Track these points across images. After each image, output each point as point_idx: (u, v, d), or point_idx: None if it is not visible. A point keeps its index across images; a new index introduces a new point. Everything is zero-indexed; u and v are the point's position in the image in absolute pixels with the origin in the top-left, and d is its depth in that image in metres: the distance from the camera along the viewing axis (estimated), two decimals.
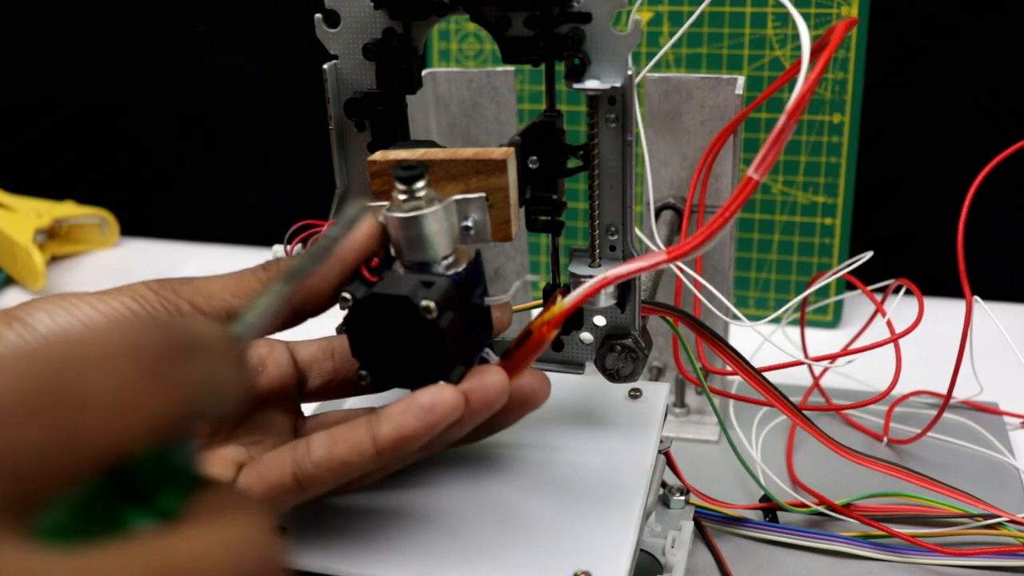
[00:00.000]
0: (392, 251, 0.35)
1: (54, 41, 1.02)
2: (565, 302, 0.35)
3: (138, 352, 0.19)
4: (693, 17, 0.56)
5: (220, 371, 0.21)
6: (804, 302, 0.69)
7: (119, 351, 0.19)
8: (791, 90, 0.31)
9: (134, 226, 1.03)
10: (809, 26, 0.71)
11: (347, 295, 0.33)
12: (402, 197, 0.34)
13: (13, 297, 0.90)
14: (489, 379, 0.34)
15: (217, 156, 1.03)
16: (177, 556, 0.19)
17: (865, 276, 0.62)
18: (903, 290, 0.60)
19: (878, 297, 0.60)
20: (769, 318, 0.57)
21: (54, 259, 0.97)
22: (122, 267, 0.97)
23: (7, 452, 0.17)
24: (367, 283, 0.34)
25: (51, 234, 0.96)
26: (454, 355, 0.34)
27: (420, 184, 0.33)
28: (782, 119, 0.30)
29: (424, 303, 0.32)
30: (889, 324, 0.54)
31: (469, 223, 0.35)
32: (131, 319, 0.20)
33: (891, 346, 0.54)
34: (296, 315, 0.35)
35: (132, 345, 0.19)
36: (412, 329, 0.32)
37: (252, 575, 0.20)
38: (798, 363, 0.56)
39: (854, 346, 0.71)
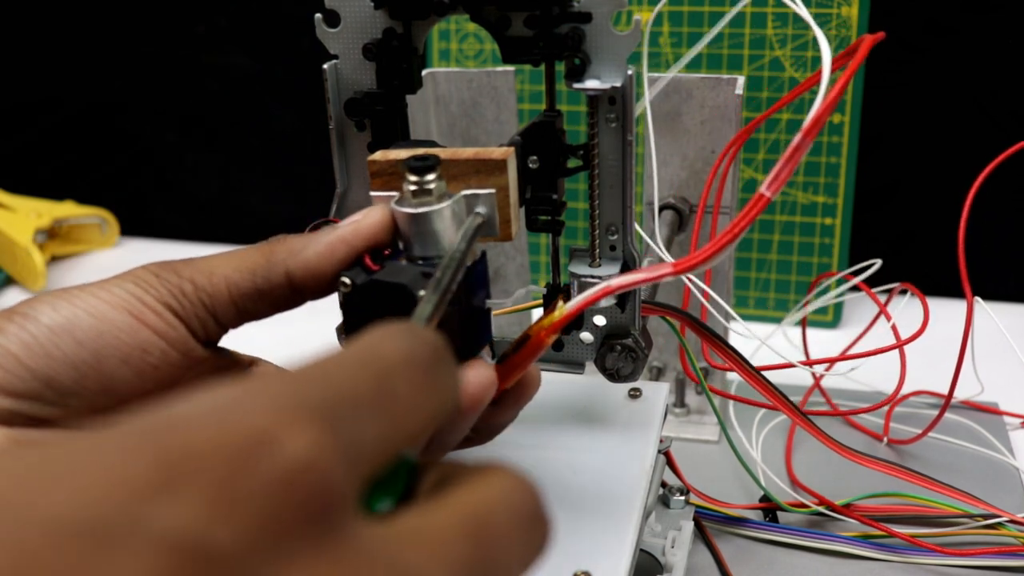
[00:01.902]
0: (400, 243, 0.35)
1: (54, 41, 1.02)
2: (566, 308, 0.35)
3: (416, 360, 0.21)
4: (713, 31, 0.56)
5: (456, 374, 0.23)
6: (806, 305, 0.69)
7: (403, 359, 0.21)
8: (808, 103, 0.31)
9: (134, 226, 1.03)
10: (807, 25, 0.71)
11: (346, 280, 0.33)
12: (412, 189, 0.33)
13: (13, 297, 0.90)
14: (472, 374, 0.33)
15: (217, 156, 1.03)
16: (480, 511, 0.21)
17: (865, 276, 0.62)
18: (907, 293, 0.60)
19: (881, 299, 0.60)
20: (773, 330, 0.57)
21: (54, 259, 0.97)
22: (122, 267, 0.95)
23: (363, 441, 0.19)
24: (368, 270, 0.33)
25: (51, 234, 0.96)
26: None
27: (431, 176, 0.33)
28: (798, 137, 0.30)
29: (422, 293, 0.32)
30: (894, 330, 0.54)
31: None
32: (401, 328, 0.22)
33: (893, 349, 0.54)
34: (296, 296, 0.35)
35: (410, 353, 0.21)
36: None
37: (538, 508, 0.22)
38: (806, 363, 0.56)
39: (856, 349, 0.71)
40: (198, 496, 0.16)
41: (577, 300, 0.35)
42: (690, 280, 0.54)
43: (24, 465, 0.17)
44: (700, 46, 0.55)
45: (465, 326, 0.34)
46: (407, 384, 0.21)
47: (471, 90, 0.59)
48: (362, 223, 0.34)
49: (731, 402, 0.63)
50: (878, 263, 0.55)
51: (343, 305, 0.34)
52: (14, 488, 0.16)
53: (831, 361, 0.59)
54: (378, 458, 0.20)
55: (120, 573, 0.15)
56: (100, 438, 0.17)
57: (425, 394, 0.21)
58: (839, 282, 0.74)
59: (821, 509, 0.54)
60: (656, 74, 0.57)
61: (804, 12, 0.38)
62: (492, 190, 0.35)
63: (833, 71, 0.31)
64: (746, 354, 0.48)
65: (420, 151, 0.36)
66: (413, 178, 0.33)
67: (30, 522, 0.15)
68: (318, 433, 0.18)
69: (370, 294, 0.33)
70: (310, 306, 0.36)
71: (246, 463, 0.17)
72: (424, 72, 0.55)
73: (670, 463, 0.50)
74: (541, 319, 0.36)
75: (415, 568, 0.19)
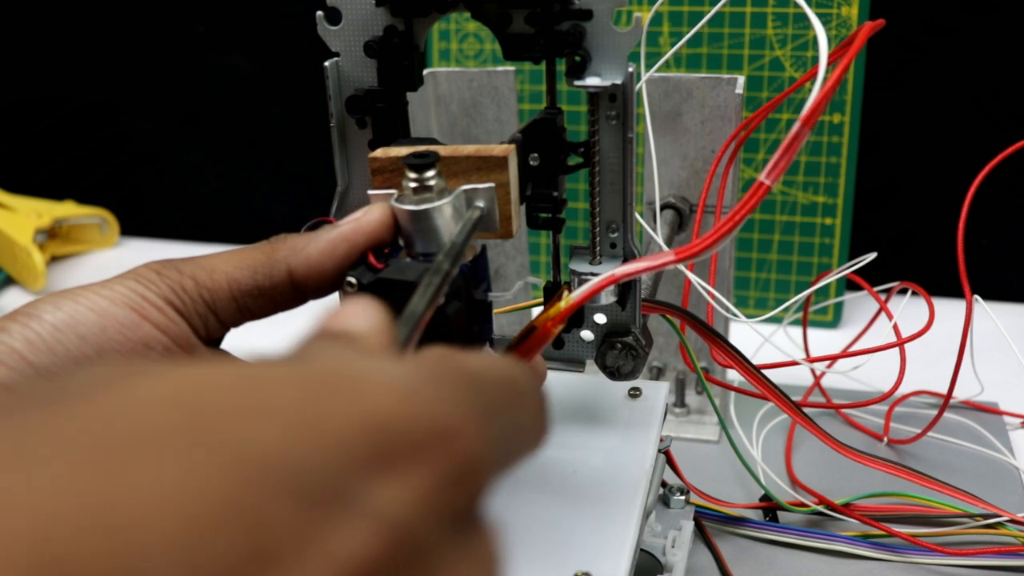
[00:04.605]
0: (400, 240, 0.35)
1: (54, 41, 1.02)
2: (572, 297, 0.35)
3: (540, 401, 0.23)
4: (692, 31, 0.56)
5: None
6: (807, 302, 0.68)
7: (536, 397, 0.23)
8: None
9: (134, 226, 1.03)
10: (807, 25, 0.71)
11: (352, 280, 0.33)
12: (412, 186, 0.33)
13: (13, 297, 0.90)
14: None
15: (217, 156, 1.03)
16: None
17: (865, 276, 0.61)
18: (908, 292, 0.60)
19: (882, 298, 0.60)
20: (770, 314, 0.57)
21: (54, 259, 0.97)
22: (122, 267, 0.95)
23: (494, 449, 0.20)
24: (373, 269, 0.33)
25: (51, 234, 0.96)
26: (458, 346, 0.33)
27: (431, 173, 0.33)
28: (796, 126, 0.30)
29: None
30: (896, 328, 0.54)
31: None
32: (529, 369, 0.24)
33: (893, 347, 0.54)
34: (297, 293, 0.35)
35: (540, 398, 0.23)
36: None
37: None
38: (808, 360, 0.56)
39: (856, 347, 0.71)
40: (413, 483, 0.17)
41: (582, 289, 0.35)
42: (692, 277, 0.54)
43: (223, 387, 0.17)
44: (679, 45, 0.55)
45: (471, 319, 0.34)
46: (530, 422, 0.23)
47: (471, 90, 0.59)
48: (362, 220, 0.34)
49: (731, 402, 0.63)
50: (873, 255, 0.55)
51: None
52: (220, 414, 0.16)
53: (832, 358, 0.59)
54: (502, 470, 0.21)
55: (339, 544, 0.15)
56: (290, 375, 0.17)
57: (536, 431, 0.23)
58: (840, 283, 0.74)
59: (821, 508, 0.54)
60: (657, 74, 0.57)
61: (801, 1, 0.38)
62: (491, 184, 0.35)
63: (831, 63, 0.31)
64: (747, 353, 0.48)
65: (421, 148, 0.36)
66: (413, 175, 0.33)
67: (247, 463, 0.15)
68: (486, 436, 0.19)
69: (378, 293, 0.33)
70: (310, 306, 0.36)
71: (448, 456, 0.18)
72: (425, 72, 0.55)
73: (670, 462, 0.50)
74: (546, 310, 0.36)
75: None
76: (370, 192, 0.36)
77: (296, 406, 0.17)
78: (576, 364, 0.44)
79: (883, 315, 0.58)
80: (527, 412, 0.22)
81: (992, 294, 0.66)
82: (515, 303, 0.52)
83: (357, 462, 0.16)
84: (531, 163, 0.39)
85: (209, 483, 0.15)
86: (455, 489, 0.18)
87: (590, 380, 0.46)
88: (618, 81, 0.37)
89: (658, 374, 0.65)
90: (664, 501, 0.51)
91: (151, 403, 0.16)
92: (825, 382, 0.67)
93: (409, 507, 0.17)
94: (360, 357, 0.20)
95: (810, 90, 0.31)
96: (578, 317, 0.42)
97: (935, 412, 0.59)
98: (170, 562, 0.14)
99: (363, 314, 0.23)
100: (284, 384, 0.17)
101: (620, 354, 0.42)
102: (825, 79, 0.30)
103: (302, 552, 0.15)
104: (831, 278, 0.56)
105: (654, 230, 0.54)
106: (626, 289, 0.41)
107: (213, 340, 0.35)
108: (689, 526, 0.49)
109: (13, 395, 0.17)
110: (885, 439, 0.62)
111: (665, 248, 0.53)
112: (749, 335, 0.66)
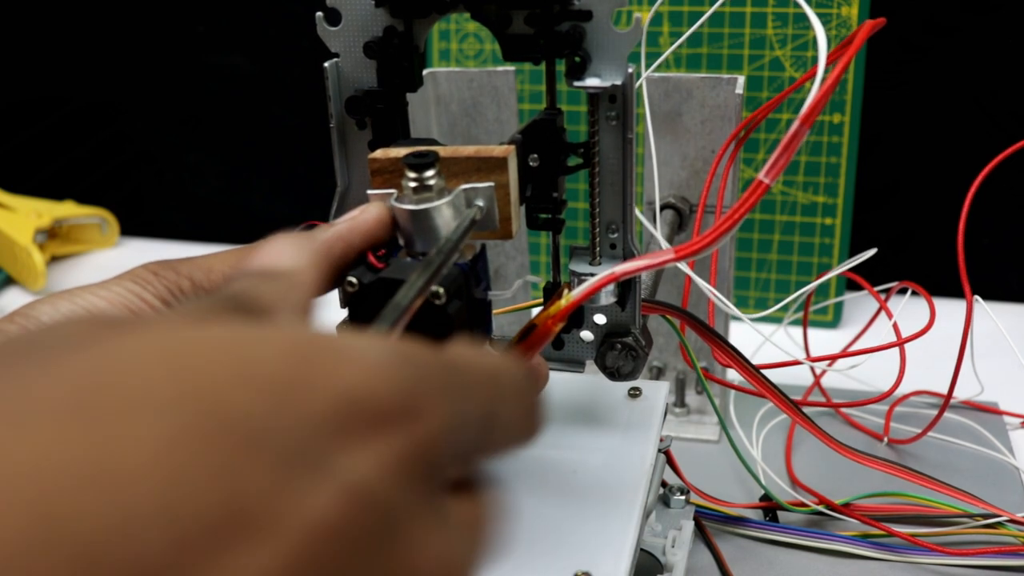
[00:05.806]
0: (399, 240, 0.35)
1: (54, 41, 1.03)
2: (572, 295, 0.35)
3: (523, 391, 0.24)
4: (689, 32, 0.56)
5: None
6: (808, 301, 0.68)
7: (516, 389, 0.23)
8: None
9: (134, 226, 1.03)
10: (807, 25, 0.71)
11: (353, 279, 0.33)
12: (412, 185, 0.33)
13: (13, 297, 0.90)
14: None
15: (217, 156, 1.03)
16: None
17: (865, 276, 0.62)
18: (908, 292, 0.60)
19: (882, 298, 0.60)
20: (769, 312, 0.57)
21: (54, 259, 0.97)
22: (122, 267, 0.95)
23: (458, 431, 0.20)
24: (373, 269, 0.33)
25: (51, 234, 0.96)
26: None
27: (430, 173, 0.33)
28: (795, 124, 0.30)
29: (433, 289, 0.32)
30: (895, 327, 0.54)
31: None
32: (518, 363, 0.24)
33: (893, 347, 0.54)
34: None
35: (521, 387, 0.23)
36: (419, 316, 0.32)
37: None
38: (809, 360, 0.56)
39: (856, 347, 0.71)
40: (376, 453, 0.18)
41: (583, 287, 0.35)
42: (693, 276, 0.54)
43: (209, 349, 0.17)
44: (677, 44, 0.55)
45: (471, 319, 0.34)
46: (511, 411, 0.23)
47: (471, 90, 0.59)
48: (359, 219, 0.34)
49: (731, 402, 0.63)
50: (874, 251, 0.55)
51: (350, 304, 0.33)
52: (206, 378, 0.17)
53: (832, 358, 0.59)
54: (470, 451, 0.22)
55: (309, 506, 0.16)
56: (273, 341, 0.18)
57: (520, 425, 0.23)
58: (840, 283, 0.74)
59: (821, 508, 0.54)
60: (657, 74, 0.57)
61: (802, 1, 0.38)
62: (491, 184, 0.35)
63: (830, 63, 0.31)
64: (747, 353, 0.48)
65: (421, 149, 0.36)
66: (412, 175, 0.33)
67: (230, 428, 0.16)
68: (449, 417, 0.20)
69: (379, 292, 0.33)
70: None
71: (408, 431, 0.18)
72: (425, 72, 0.55)
73: (670, 462, 0.50)
74: (546, 308, 0.36)
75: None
76: (369, 192, 0.36)
77: (278, 374, 0.17)
78: (576, 364, 0.44)
79: (883, 315, 0.58)
80: (508, 404, 0.22)
81: (992, 294, 0.67)
82: (515, 303, 0.52)
83: (328, 431, 0.17)
84: (531, 164, 0.39)
85: (194, 445, 0.16)
86: (415, 462, 0.18)
87: (590, 380, 0.46)
88: (618, 82, 0.37)
89: (658, 374, 0.65)
90: (664, 501, 0.51)
91: (140, 363, 0.17)
92: (825, 382, 0.67)
93: (372, 475, 0.17)
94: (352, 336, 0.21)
95: (810, 89, 0.31)
96: (578, 317, 0.42)
97: (935, 412, 0.59)
98: (155, 519, 0.15)
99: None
100: (267, 350, 0.18)
101: (620, 355, 0.42)
102: (824, 78, 0.31)
103: (276, 511, 0.16)
104: (832, 274, 0.56)
105: (654, 230, 0.54)
106: (626, 289, 0.41)
107: None
108: (689, 526, 0.49)
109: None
110: (885, 439, 0.62)
111: (666, 246, 0.53)
112: (749, 335, 0.66)
